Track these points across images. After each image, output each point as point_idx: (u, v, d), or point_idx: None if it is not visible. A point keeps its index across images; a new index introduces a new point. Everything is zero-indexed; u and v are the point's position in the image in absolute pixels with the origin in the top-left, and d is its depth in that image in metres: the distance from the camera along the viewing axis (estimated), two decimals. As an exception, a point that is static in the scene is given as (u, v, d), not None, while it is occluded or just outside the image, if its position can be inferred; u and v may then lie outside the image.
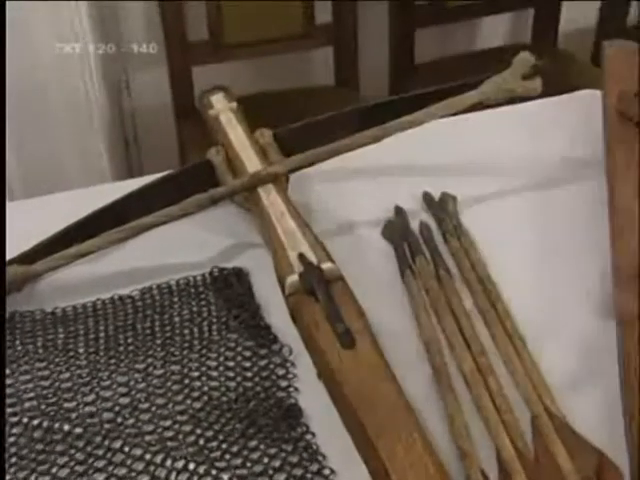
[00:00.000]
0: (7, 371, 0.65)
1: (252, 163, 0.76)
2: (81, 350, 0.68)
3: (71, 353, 0.67)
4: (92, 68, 1.61)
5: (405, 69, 1.78)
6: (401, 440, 0.51)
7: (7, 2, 1.26)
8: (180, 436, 0.60)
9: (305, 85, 1.82)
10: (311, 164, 0.74)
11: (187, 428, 0.61)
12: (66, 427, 0.61)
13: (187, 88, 1.66)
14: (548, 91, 0.92)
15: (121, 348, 0.68)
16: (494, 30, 1.98)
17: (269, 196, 0.71)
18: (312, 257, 0.63)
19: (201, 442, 0.60)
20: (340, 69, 1.77)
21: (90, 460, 0.59)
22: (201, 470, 0.58)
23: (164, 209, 0.71)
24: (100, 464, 0.59)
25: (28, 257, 0.72)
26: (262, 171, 0.73)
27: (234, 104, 0.84)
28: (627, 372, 0.61)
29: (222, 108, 0.83)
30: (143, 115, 1.89)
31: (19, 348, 0.68)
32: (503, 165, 0.85)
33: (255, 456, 0.59)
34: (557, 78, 0.81)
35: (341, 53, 1.75)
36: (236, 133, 0.80)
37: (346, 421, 0.55)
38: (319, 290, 0.59)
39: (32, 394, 0.64)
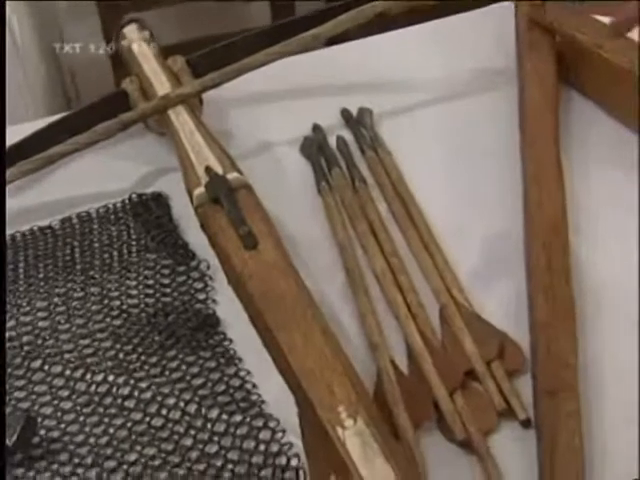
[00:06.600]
0: None
1: (165, 89, 0.76)
2: (0, 280, 0.68)
3: (-11, 284, 0.68)
4: (23, 26, 1.58)
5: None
6: (300, 331, 0.52)
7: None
8: (100, 352, 0.62)
9: (242, 29, 1.80)
10: (219, 84, 0.74)
11: (106, 344, 0.62)
12: (-16, 352, 0.62)
13: (122, 38, 1.63)
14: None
15: (41, 275, 0.68)
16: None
17: (179, 117, 0.71)
18: (218, 168, 0.64)
19: (120, 356, 0.61)
20: (277, 15, 1.76)
21: (10, 380, 0.60)
22: (120, 381, 0.59)
23: (73, 137, 0.71)
24: (20, 383, 0.60)
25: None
26: (171, 93, 0.73)
27: (146, 33, 0.83)
28: (530, 259, 0.63)
29: (134, 38, 0.83)
30: (82, 70, 1.86)
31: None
32: (419, 80, 0.85)
33: (173, 365, 0.60)
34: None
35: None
36: (148, 61, 0.79)
37: (253, 320, 0.57)
38: (223, 197, 0.60)
39: (-51, 323, 0.65)
